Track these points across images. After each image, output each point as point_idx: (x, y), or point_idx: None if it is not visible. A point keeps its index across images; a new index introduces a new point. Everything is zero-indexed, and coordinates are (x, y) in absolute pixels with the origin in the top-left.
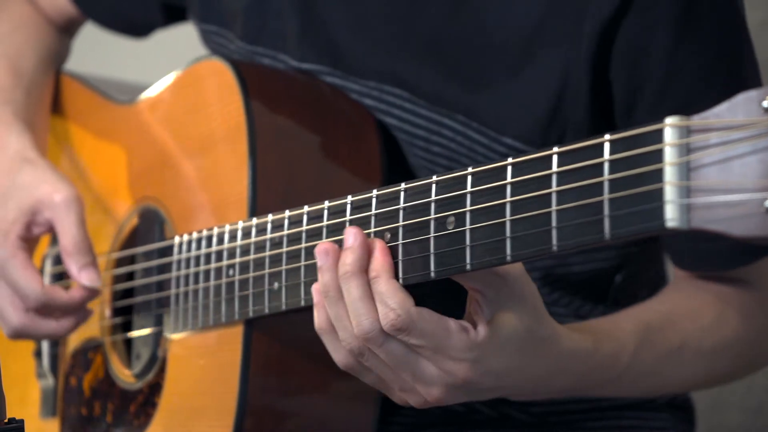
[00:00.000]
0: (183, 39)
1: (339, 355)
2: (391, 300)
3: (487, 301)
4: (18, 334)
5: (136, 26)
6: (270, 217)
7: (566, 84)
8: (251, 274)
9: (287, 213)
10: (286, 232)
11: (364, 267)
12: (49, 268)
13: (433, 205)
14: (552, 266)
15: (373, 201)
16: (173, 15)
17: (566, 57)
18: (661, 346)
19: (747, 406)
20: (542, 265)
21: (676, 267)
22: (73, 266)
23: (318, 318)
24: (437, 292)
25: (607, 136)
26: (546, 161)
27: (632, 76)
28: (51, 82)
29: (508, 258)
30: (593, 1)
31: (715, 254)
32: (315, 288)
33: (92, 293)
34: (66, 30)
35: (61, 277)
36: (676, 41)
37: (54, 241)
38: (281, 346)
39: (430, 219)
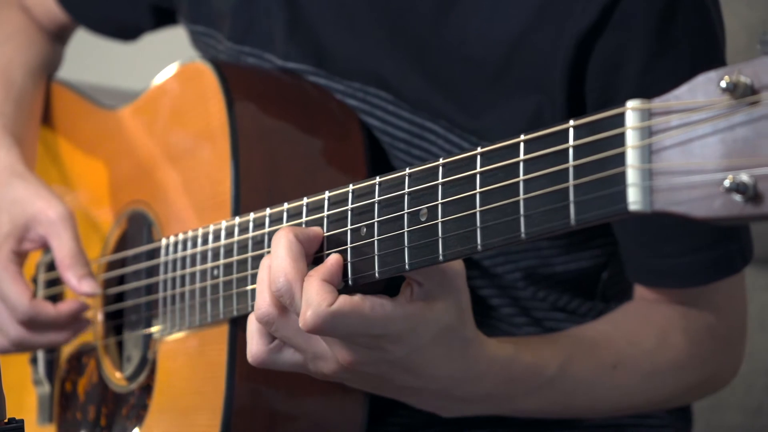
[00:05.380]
0: (174, 45)
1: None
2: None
3: (423, 291)
4: (17, 346)
5: (127, 30)
6: (252, 215)
7: (544, 97)
8: (235, 276)
9: (268, 211)
10: (267, 230)
11: None
12: (42, 275)
13: (406, 198)
14: (535, 266)
15: (350, 196)
16: (162, 18)
17: (543, 72)
18: (592, 362)
19: (747, 406)
20: (525, 266)
21: (634, 282)
22: (72, 278)
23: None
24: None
25: (571, 122)
26: (513, 149)
27: (604, 91)
28: (42, 92)
29: (479, 247)
30: (570, 16)
31: (672, 271)
32: None
33: (79, 309)
34: (58, 37)
35: (55, 282)
36: (649, 58)
37: (46, 251)
38: None
39: (403, 213)
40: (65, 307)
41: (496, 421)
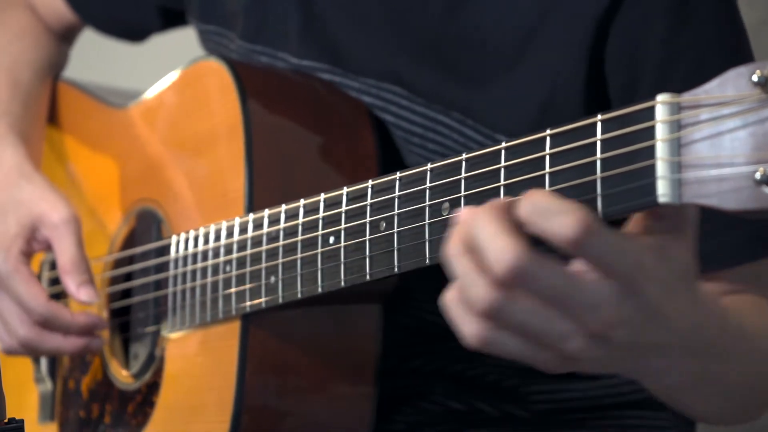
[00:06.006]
0: (181, 46)
1: (469, 327)
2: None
3: (662, 226)
4: (25, 346)
5: (134, 31)
6: (267, 212)
7: (559, 82)
8: (248, 269)
9: (284, 207)
10: (282, 225)
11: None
12: (46, 273)
13: (428, 192)
14: None
15: (369, 191)
16: (170, 19)
17: (560, 56)
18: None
19: None
20: None
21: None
22: (71, 284)
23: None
24: None
25: (599, 116)
26: (539, 144)
27: (628, 69)
28: (48, 92)
29: None
30: (586, 1)
31: (716, 251)
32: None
33: (94, 324)
34: (65, 37)
35: (58, 281)
36: (670, 31)
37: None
38: (278, 342)
39: (425, 206)
40: (81, 317)
41: (499, 419)
